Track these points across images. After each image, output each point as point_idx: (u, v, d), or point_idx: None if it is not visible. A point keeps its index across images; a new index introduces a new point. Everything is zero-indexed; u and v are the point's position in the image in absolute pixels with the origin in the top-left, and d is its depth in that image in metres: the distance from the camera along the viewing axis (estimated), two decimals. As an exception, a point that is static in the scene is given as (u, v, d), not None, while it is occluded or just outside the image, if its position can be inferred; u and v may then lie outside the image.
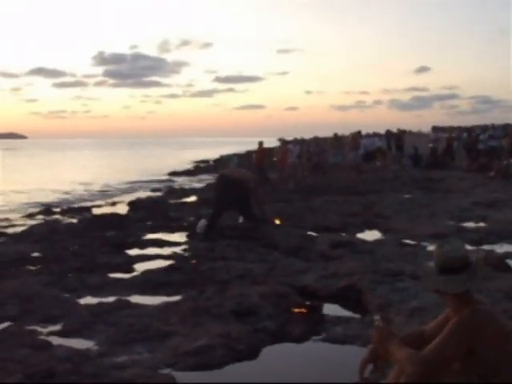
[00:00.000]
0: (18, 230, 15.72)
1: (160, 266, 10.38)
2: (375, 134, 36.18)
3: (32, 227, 15.63)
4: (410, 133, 37.47)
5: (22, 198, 27.17)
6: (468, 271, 3.57)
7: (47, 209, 21.05)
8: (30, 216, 19.70)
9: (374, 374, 4.25)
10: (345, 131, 36.91)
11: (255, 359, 6.31)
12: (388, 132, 35.50)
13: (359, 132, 34.25)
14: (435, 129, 34.68)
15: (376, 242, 11.95)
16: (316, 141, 33.90)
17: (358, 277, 8.65)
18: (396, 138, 33.61)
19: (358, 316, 7.62)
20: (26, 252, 11.71)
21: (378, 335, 3.75)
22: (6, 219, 19.21)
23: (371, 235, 13.21)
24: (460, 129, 51.01)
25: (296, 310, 7.58)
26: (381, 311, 7.27)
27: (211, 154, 78.72)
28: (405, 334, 4.05)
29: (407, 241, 12.00)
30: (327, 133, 37.53)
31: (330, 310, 7.86)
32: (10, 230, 15.80)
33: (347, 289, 8.46)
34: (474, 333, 3.41)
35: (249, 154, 50.57)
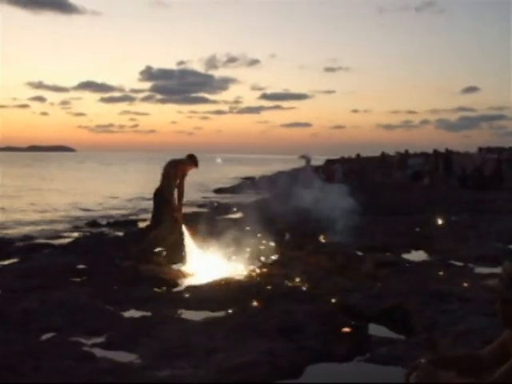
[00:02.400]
0: (65, 241, 15.86)
1: (205, 281, 10.36)
2: (422, 154, 35.97)
3: (78, 239, 15.77)
4: (458, 153, 37.12)
5: (68, 210, 27.45)
6: None
7: (93, 221, 21.23)
8: (77, 228, 19.88)
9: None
10: (391, 151, 36.72)
11: (299, 377, 6.25)
12: (436, 152, 35.23)
13: (407, 151, 34.09)
14: (481, 149, 34.33)
15: (422, 263, 11.82)
16: (358, 159, 33.86)
17: (403, 297, 8.54)
18: (444, 158, 33.32)
19: (403, 337, 7.50)
20: (72, 264, 11.77)
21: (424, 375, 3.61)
22: (53, 231, 19.40)
23: (417, 256, 13.06)
24: (511, 150, 50.41)
25: (341, 330, 7.49)
26: (427, 333, 7.18)
27: (257, 170, 78.74)
28: (456, 355, 3.92)
29: (454, 262, 11.81)
30: (374, 152, 37.42)
31: (375, 330, 7.77)
32: (57, 242, 15.94)
33: (393, 309, 8.35)
34: None
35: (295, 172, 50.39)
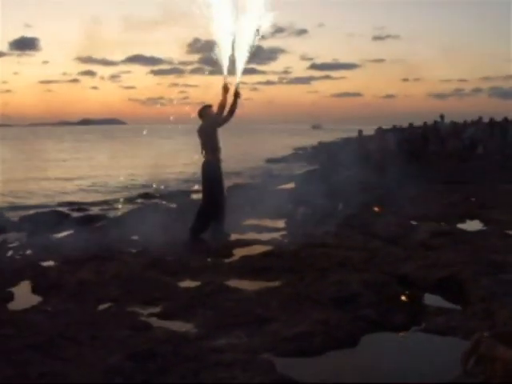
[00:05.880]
0: (118, 213, 16.02)
1: (259, 251, 10.36)
2: (477, 122, 35.41)
3: (132, 211, 15.89)
4: (513, 121, 36.49)
5: (122, 182, 27.71)
6: None
7: (146, 193, 21.40)
8: (130, 200, 20.06)
9: (477, 366, 4.11)
10: (444, 119, 36.11)
11: (355, 347, 6.24)
12: (491, 121, 34.59)
13: (465, 122, 33.69)
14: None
15: (478, 233, 11.65)
16: (411, 129, 33.51)
17: (459, 267, 8.44)
18: (500, 127, 32.70)
19: (459, 307, 7.42)
20: (127, 235, 11.90)
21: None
22: (107, 203, 19.62)
23: (473, 225, 12.90)
24: None
25: (396, 299, 7.45)
26: (483, 303, 7.09)
27: (309, 140, 78.34)
28: (505, 331, 3.88)
29: (510, 232, 11.65)
30: (426, 121, 36.81)
31: (431, 300, 7.70)
32: (111, 214, 16.11)
33: (448, 279, 8.26)
34: None
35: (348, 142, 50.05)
